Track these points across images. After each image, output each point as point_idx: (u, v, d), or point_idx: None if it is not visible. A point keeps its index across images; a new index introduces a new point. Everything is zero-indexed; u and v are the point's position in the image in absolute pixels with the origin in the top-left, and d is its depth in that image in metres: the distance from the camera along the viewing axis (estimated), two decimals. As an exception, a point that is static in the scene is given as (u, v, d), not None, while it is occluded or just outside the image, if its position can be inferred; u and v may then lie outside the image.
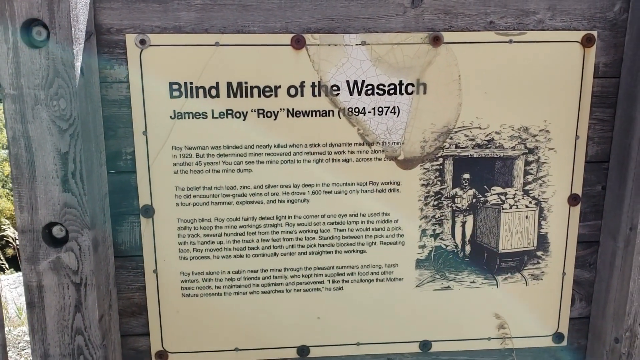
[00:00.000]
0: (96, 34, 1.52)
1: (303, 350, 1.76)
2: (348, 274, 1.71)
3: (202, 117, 1.57)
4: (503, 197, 1.68)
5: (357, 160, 1.63)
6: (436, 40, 1.57)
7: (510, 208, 1.69)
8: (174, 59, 1.54)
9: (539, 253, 1.73)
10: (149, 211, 1.62)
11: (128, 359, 1.72)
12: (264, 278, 1.70)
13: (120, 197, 1.62)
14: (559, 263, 1.74)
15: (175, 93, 1.56)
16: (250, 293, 1.70)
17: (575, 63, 1.61)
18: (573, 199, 1.70)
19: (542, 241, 1.72)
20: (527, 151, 1.66)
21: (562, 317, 1.79)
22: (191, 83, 1.55)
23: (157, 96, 1.56)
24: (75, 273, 1.47)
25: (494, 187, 1.68)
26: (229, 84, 1.56)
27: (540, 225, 1.71)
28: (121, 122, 1.57)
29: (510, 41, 1.59)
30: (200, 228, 1.64)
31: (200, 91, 1.56)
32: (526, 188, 1.68)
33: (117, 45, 1.53)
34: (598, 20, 1.59)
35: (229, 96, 1.56)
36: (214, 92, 1.56)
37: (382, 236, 1.69)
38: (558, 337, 1.80)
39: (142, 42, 1.52)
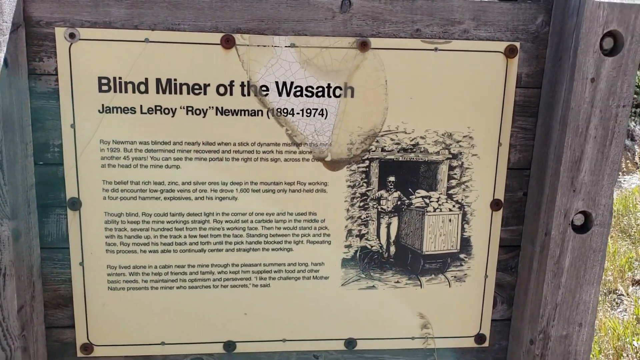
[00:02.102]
0: (25, 26, 1.52)
1: (229, 346, 1.78)
2: (275, 272, 1.74)
3: (131, 112, 1.59)
4: (427, 200, 1.73)
5: (286, 160, 1.66)
6: (363, 46, 1.61)
7: (434, 211, 1.74)
8: (103, 54, 1.55)
9: (462, 256, 1.78)
10: (75, 204, 1.63)
11: (53, 351, 1.73)
12: (191, 273, 1.71)
13: (47, 189, 1.62)
14: (482, 266, 1.80)
15: (104, 87, 1.57)
16: (177, 288, 1.72)
17: (498, 73, 1.66)
18: (495, 204, 1.75)
19: (465, 244, 1.77)
20: (451, 156, 1.71)
21: (484, 318, 1.84)
22: (120, 78, 1.57)
23: (86, 90, 1.57)
24: (-5, 263, 1.48)
25: (418, 190, 1.72)
26: (158, 80, 1.58)
27: (463, 229, 1.76)
28: (49, 114, 1.58)
29: (436, 49, 1.63)
30: (128, 222, 1.66)
31: (129, 86, 1.57)
32: (450, 192, 1.73)
33: (46, 38, 1.54)
34: (521, 32, 1.65)
35: (157, 92, 1.58)
36: (142, 87, 1.58)
37: (308, 235, 1.72)
38: (480, 338, 1.85)
39: (72, 35, 1.54)
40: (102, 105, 1.58)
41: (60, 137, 1.59)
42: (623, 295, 4.05)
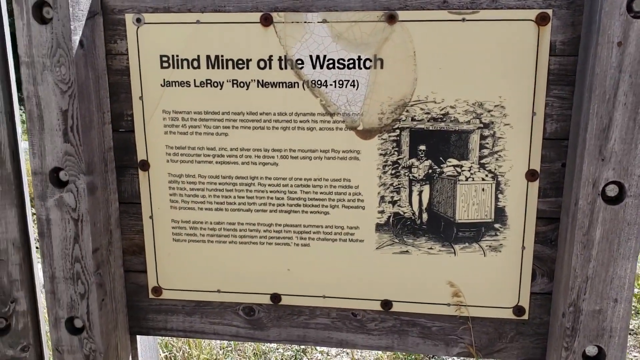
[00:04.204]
0: (103, 14, 1.81)
1: (276, 298, 1.96)
2: (314, 233, 1.89)
3: (186, 86, 1.82)
4: (459, 169, 1.77)
5: (320, 129, 1.80)
6: (391, 19, 1.69)
7: (467, 180, 1.77)
8: (163, 35, 1.80)
9: (496, 225, 1.79)
10: (145, 165, 1.91)
11: (131, 292, 2.04)
12: (240, 230, 1.92)
13: (123, 152, 1.92)
14: (518, 237, 1.79)
15: (165, 64, 1.82)
16: (230, 242, 1.94)
17: (530, 41, 1.65)
18: (531, 175, 1.74)
19: (500, 214, 1.78)
20: (482, 126, 1.73)
21: (522, 290, 1.83)
22: (177, 56, 1.81)
23: (151, 67, 1.83)
24: (74, 210, 1.79)
25: (449, 159, 1.76)
26: (208, 57, 1.79)
27: (497, 199, 1.77)
28: (123, 88, 1.87)
29: (463, 20, 1.66)
30: (187, 182, 1.90)
31: (185, 63, 1.81)
32: (482, 161, 1.75)
33: (119, 23, 1.82)
34: (554, -1, 1.62)
35: (208, 67, 1.80)
36: (195, 63, 1.80)
37: (343, 200, 1.84)
38: (519, 310, 1.84)
39: (138, 20, 1.80)
40: (164, 79, 1.83)
41: (132, 108, 1.88)
42: None
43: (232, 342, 3.94)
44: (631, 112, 1.52)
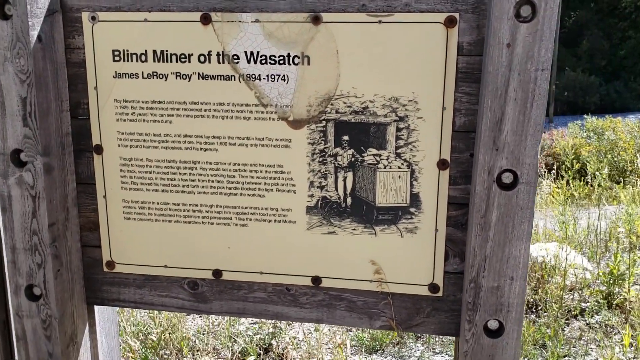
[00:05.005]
0: (62, 12, 2.01)
1: (217, 273, 2.15)
2: (251, 214, 2.07)
3: (135, 77, 2.01)
4: (378, 158, 1.94)
5: (255, 119, 1.98)
6: (316, 20, 1.87)
7: (385, 168, 1.95)
8: (115, 31, 2.00)
9: (412, 209, 1.97)
10: (99, 149, 2.10)
11: (87, 265, 2.23)
12: (184, 210, 2.11)
13: (80, 137, 2.11)
14: (431, 220, 1.97)
15: (116, 58, 2.01)
16: (175, 222, 2.13)
17: (439, 42, 1.83)
18: (442, 164, 1.91)
19: (415, 199, 1.96)
20: (398, 119, 1.91)
21: (436, 269, 2.01)
22: (127, 50, 2.00)
23: (104, 60, 2.03)
24: (32, 188, 1.99)
25: (369, 149, 1.94)
26: (154, 52, 1.98)
27: (412, 185, 1.95)
28: (80, 79, 2.06)
29: (380, 21, 1.84)
30: (136, 166, 2.10)
31: (134, 57, 2.00)
32: (398, 151, 1.93)
33: (76, 20, 2.02)
34: (460, 4, 1.79)
35: (154, 61, 1.99)
36: (143, 57, 1.99)
37: (277, 184, 2.03)
38: (434, 287, 2.02)
39: (93, 18, 2.00)
40: (115, 72, 2.03)
41: (87, 97, 2.07)
42: None
43: (206, 327, 4.14)
44: (521, 106, 1.69)
